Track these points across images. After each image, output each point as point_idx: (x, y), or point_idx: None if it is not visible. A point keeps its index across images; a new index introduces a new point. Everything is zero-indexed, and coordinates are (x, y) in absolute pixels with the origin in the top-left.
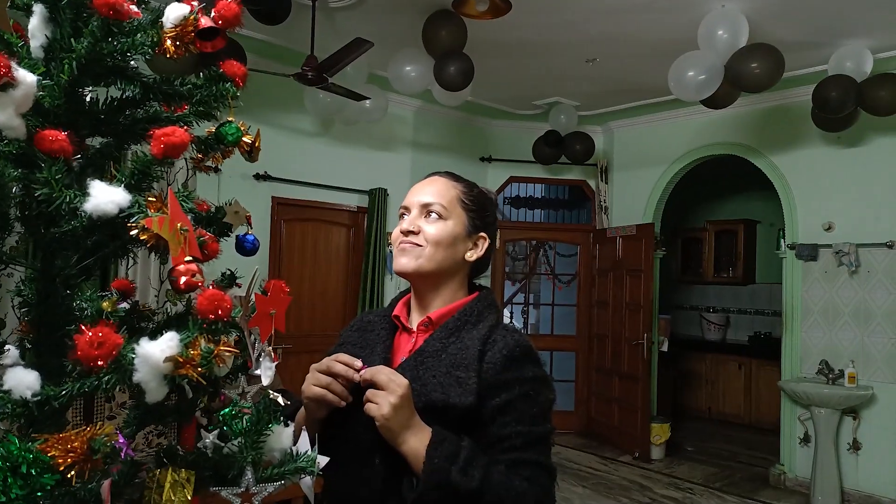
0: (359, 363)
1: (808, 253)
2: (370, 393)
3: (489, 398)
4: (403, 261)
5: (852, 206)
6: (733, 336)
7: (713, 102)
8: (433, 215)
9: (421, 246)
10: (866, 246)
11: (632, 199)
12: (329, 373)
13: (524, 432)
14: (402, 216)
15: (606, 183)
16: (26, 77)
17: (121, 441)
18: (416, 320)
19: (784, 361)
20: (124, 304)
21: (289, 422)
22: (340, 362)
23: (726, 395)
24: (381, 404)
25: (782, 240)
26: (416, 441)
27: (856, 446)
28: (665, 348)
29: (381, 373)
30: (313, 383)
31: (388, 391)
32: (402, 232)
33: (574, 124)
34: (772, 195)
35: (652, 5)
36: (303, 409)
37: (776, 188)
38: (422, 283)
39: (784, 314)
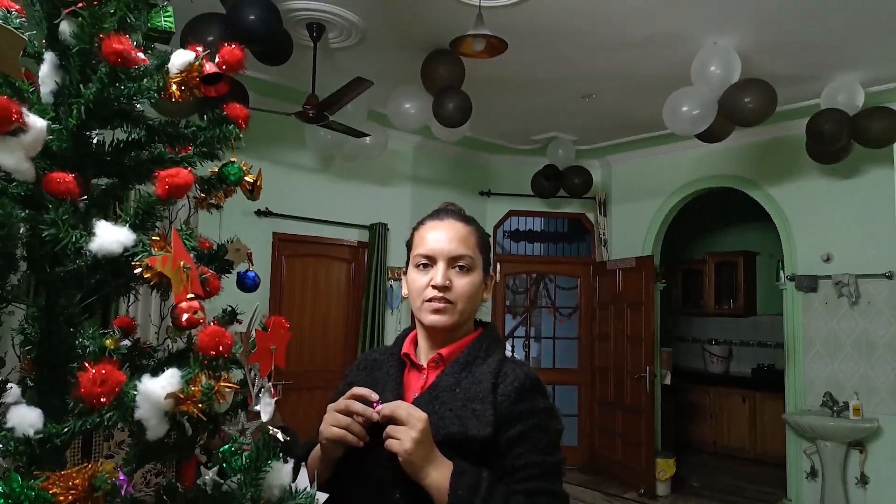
0: (375, 396)
1: (808, 284)
2: (391, 429)
3: (504, 429)
4: (439, 318)
5: (850, 236)
6: (736, 368)
7: (708, 136)
8: (463, 267)
9: (453, 304)
10: (866, 277)
11: (631, 231)
12: (347, 412)
13: (539, 462)
14: (422, 265)
15: (605, 216)
16: (36, 122)
17: (121, 478)
18: (425, 357)
19: (788, 394)
20: (126, 342)
21: (288, 458)
22: (357, 396)
23: (731, 428)
24: (402, 440)
25: (782, 271)
26: (438, 474)
27: (864, 480)
28: (668, 381)
29: (401, 408)
30: (332, 423)
31: (408, 426)
32: (434, 286)
33: (572, 158)
34: (770, 227)
35: (646, 42)
36: (316, 448)
37: (774, 220)
38: (446, 330)
39: (786, 346)
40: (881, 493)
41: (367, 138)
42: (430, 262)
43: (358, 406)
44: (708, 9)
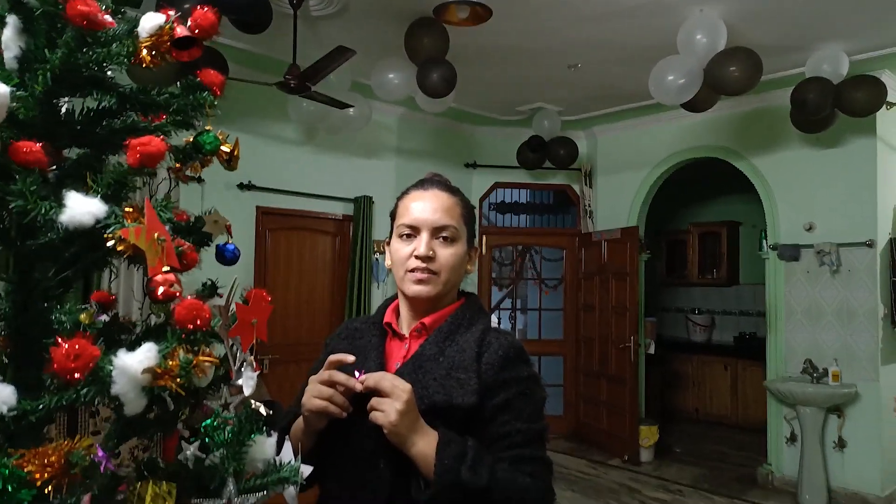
0: (351, 358)
1: (790, 253)
2: (375, 401)
3: (489, 398)
4: (422, 289)
5: (832, 206)
6: (719, 337)
7: (693, 106)
8: (447, 237)
9: (436, 274)
10: (847, 245)
11: (616, 202)
12: (330, 383)
13: (524, 429)
14: (405, 235)
15: (591, 187)
16: (0, 88)
17: (100, 455)
18: (407, 326)
19: (769, 361)
20: (103, 317)
21: (272, 431)
22: (336, 362)
23: (713, 395)
24: (387, 411)
25: (764, 241)
26: (424, 444)
27: (841, 444)
28: (652, 350)
29: (385, 379)
30: (315, 395)
31: (393, 397)
32: (417, 257)
33: (557, 129)
34: (753, 197)
35: (631, 11)
36: (299, 420)
37: (757, 190)
38: (429, 300)
39: (768, 314)
40: (857, 456)
41: (351, 110)
42: (413, 232)
43: (341, 377)
44: None
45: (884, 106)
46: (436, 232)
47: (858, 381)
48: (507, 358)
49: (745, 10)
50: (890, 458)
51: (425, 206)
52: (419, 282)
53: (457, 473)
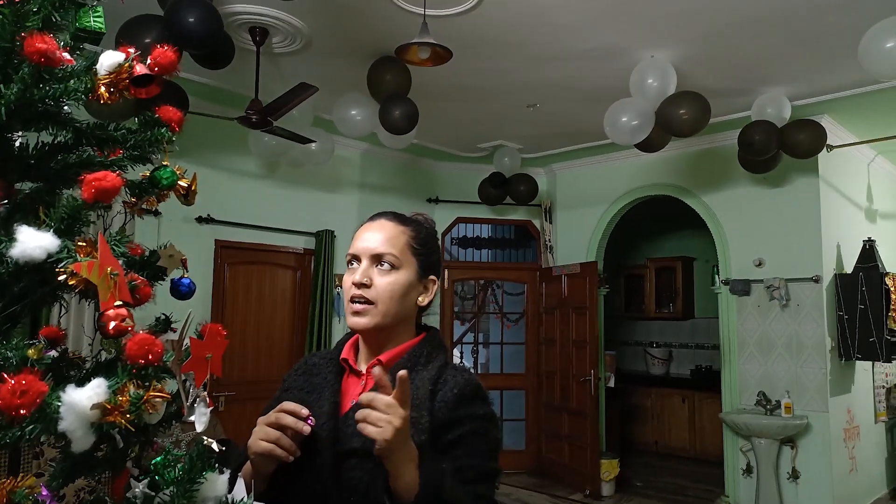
0: (305, 411)
1: (741, 288)
2: (365, 414)
3: (443, 434)
4: (358, 321)
5: (780, 242)
6: (676, 370)
7: (647, 146)
8: (385, 265)
9: (373, 304)
10: (795, 280)
11: (575, 237)
12: (278, 426)
13: (476, 466)
14: (350, 263)
15: (550, 223)
16: None
17: (44, 493)
18: (364, 362)
19: (724, 393)
20: (52, 353)
21: (224, 469)
22: (287, 412)
23: (672, 428)
24: (384, 428)
25: (717, 276)
26: (409, 460)
27: (795, 475)
28: (612, 384)
29: (378, 399)
30: (261, 438)
31: (391, 415)
32: (353, 284)
33: (518, 166)
34: (706, 233)
35: (586, 54)
36: (248, 464)
37: (708, 226)
38: (376, 333)
39: (722, 347)
40: (810, 487)
41: (313, 144)
42: (356, 261)
43: (289, 419)
44: (645, 24)
45: (825, 148)
46: (374, 260)
47: (809, 412)
48: (462, 396)
49: (693, 56)
50: (840, 488)
51: (368, 236)
52: (355, 313)
53: (440, 488)
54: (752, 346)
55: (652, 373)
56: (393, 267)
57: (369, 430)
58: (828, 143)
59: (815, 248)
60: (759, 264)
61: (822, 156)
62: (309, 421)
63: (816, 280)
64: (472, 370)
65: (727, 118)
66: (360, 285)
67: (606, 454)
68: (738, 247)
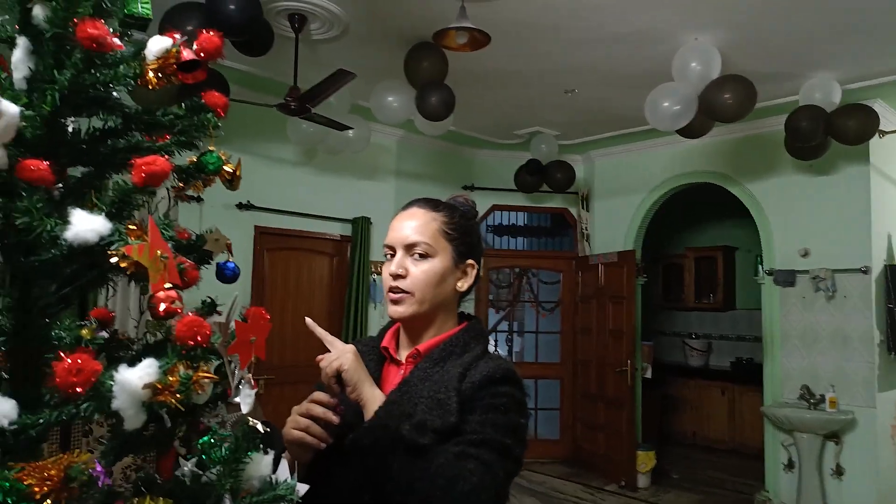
0: (333, 401)
1: (786, 279)
2: (324, 359)
3: (467, 412)
4: (396, 309)
5: (827, 232)
6: (716, 362)
7: (688, 132)
8: (418, 255)
9: (410, 293)
10: (842, 271)
11: (613, 226)
12: (308, 415)
13: (481, 432)
14: (388, 256)
15: (587, 211)
16: (9, 108)
17: (98, 469)
18: (404, 352)
19: (766, 387)
20: (103, 333)
21: (268, 450)
22: (317, 401)
23: (710, 420)
24: (341, 358)
25: (760, 266)
26: (376, 394)
27: (839, 471)
28: (648, 375)
29: (326, 358)
30: (293, 427)
31: (341, 353)
32: (390, 274)
33: (555, 153)
34: (749, 222)
35: (627, 38)
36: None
37: (752, 215)
38: (415, 321)
39: (764, 340)
40: (855, 484)
41: (350, 132)
42: (392, 251)
43: (318, 410)
44: (688, 6)
45: (876, 134)
46: (408, 249)
47: (855, 407)
48: (490, 377)
49: (738, 39)
50: (887, 486)
51: (400, 225)
52: (394, 302)
53: (396, 425)
54: (796, 338)
55: (691, 364)
56: (426, 255)
57: (333, 364)
58: (880, 128)
59: (864, 238)
60: (805, 254)
61: (874, 142)
62: (338, 409)
63: (865, 271)
64: (507, 358)
65: (773, 103)
66: (395, 276)
67: (643, 445)
68: (782, 236)
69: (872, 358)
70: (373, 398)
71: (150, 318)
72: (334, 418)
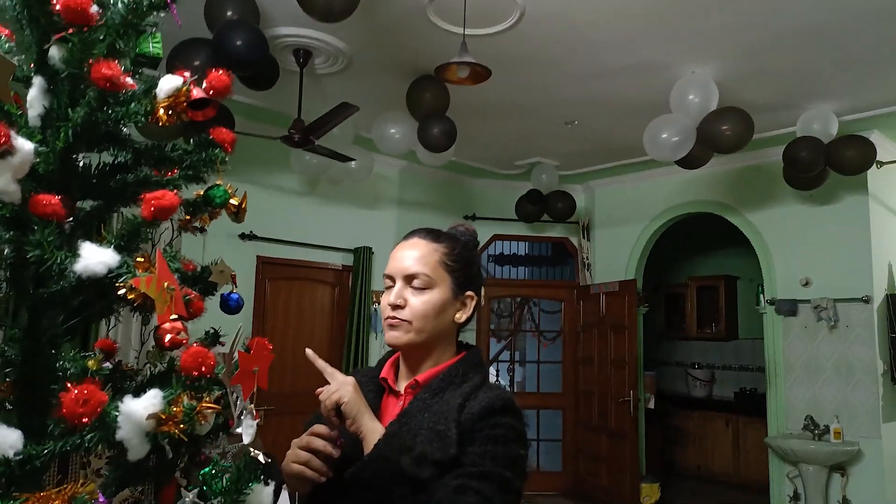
0: (335, 433)
1: (788, 308)
2: (324, 391)
3: (466, 444)
4: (393, 335)
5: (828, 261)
6: (719, 392)
7: (688, 163)
8: (418, 286)
9: (409, 322)
10: (843, 301)
11: (614, 255)
12: (308, 448)
13: (481, 465)
14: (386, 285)
15: (588, 240)
16: (24, 145)
17: (101, 500)
18: (403, 382)
19: (770, 417)
20: (108, 364)
21: (269, 481)
22: (317, 434)
23: (715, 452)
24: (341, 391)
25: (762, 295)
26: (375, 427)
27: (846, 503)
28: (651, 405)
29: (326, 390)
30: (293, 460)
31: (341, 386)
32: (389, 305)
33: (555, 183)
34: (750, 251)
35: (626, 70)
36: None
37: (753, 245)
38: (412, 350)
39: (767, 370)
40: None
41: (353, 162)
42: (392, 282)
43: (319, 443)
44: (686, 39)
45: (874, 165)
46: (408, 280)
47: (860, 438)
48: (490, 408)
49: (735, 71)
50: None
51: (401, 255)
52: (391, 327)
53: (396, 458)
54: (799, 368)
55: (693, 395)
56: (426, 287)
57: (332, 397)
58: (878, 159)
59: (865, 268)
60: (806, 284)
61: (872, 172)
62: (339, 443)
63: (867, 300)
64: (506, 388)
65: (772, 134)
66: (394, 307)
67: (647, 477)
68: (783, 266)
69: (876, 388)
70: (372, 430)
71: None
72: (334, 452)
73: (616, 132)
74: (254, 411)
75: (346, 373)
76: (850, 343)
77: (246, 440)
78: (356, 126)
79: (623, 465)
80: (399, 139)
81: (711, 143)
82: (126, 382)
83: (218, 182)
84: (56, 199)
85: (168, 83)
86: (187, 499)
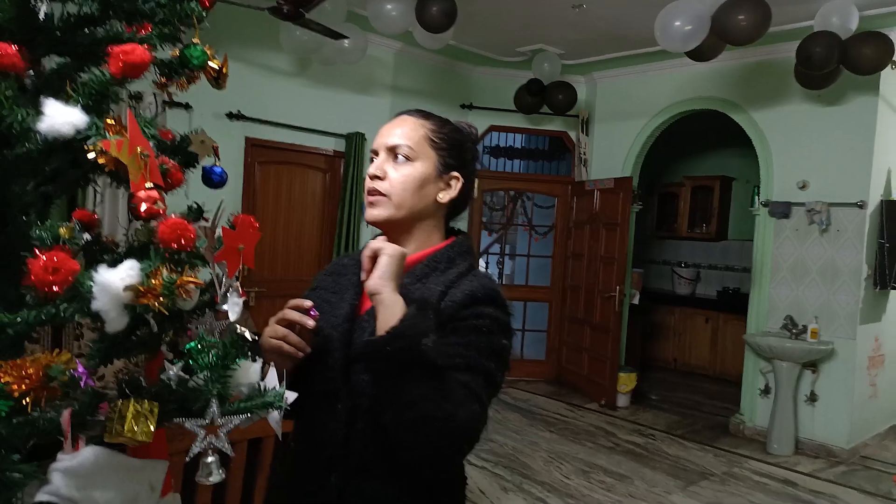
0: (308, 303)
1: (782, 210)
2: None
3: (445, 334)
4: (371, 212)
5: (827, 164)
6: (703, 291)
7: (698, 55)
8: (400, 158)
9: (386, 196)
10: (838, 205)
11: (611, 151)
12: (286, 322)
13: (466, 356)
14: (371, 160)
15: (587, 135)
16: None
17: (80, 370)
18: None
19: (750, 316)
20: (86, 235)
21: (256, 357)
22: (292, 307)
23: (693, 347)
24: (389, 247)
25: (757, 197)
26: (398, 298)
27: (813, 398)
28: (636, 301)
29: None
30: (270, 335)
31: (390, 247)
32: (369, 176)
33: (557, 73)
34: (749, 152)
35: None
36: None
37: (754, 144)
38: (394, 229)
39: (754, 270)
40: (827, 410)
41: (346, 41)
42: (375, 155)
43: (294, 315)
44: None
45: (889, 65)
46: (390, 152)
47: (836, 338)
48: (473, 297)
49: None
50: (858, 413)
51: (387, 130)
52: (370, 205)
53: (418, 337)
54: (786, 270)
55: (678, 292)
56: (408, 159)
57: (379, 244)
58: (893, 59)
59: (864, 172)
60: (803, 186)
61: (885, 73)
62: (312, 313)
63: (861, 205)
64: (494, 279)
65: (787, 27)
66: (373, 177)
67: (625, 368)
68: (782, 167)
69: (858, 292)
70: (394, 302)
71: (140, 226)
72: (310, 322)
73: (625, 19)
74: (240, 289)
75: (335, 258)
76: (838, 247)
77: (232, 318)
78: (349, 1)
79: (604, 355)
80: (395, 16)
81: (725, 33)
82: (106, 255)
83: (195, 41)
84: (13, 48)
85: None
86: (171, 372)
